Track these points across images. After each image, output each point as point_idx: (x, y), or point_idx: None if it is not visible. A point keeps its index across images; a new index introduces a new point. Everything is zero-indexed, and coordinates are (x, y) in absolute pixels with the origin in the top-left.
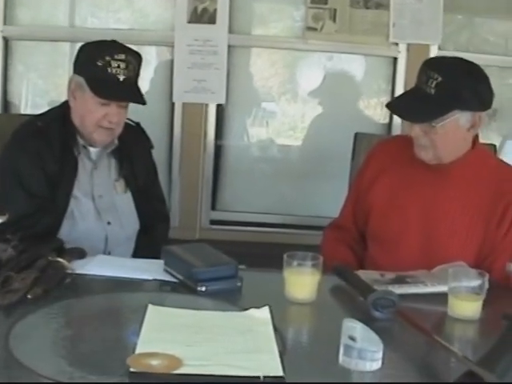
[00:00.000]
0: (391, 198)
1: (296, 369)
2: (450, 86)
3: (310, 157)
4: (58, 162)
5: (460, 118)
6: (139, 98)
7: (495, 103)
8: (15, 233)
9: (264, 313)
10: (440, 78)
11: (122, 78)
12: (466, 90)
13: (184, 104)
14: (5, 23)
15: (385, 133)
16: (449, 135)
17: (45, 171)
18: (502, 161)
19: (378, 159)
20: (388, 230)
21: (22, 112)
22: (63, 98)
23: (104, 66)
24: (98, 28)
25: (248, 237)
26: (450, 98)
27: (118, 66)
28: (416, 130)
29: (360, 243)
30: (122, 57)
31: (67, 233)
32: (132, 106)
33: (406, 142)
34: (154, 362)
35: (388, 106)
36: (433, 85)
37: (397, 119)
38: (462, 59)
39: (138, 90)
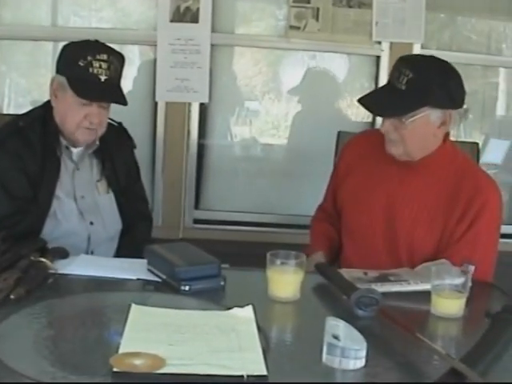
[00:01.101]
0: (360, 192)
1: (279, 368)
2: (420, 82)
3: (294, 156)
4: (40, 163)
5: (430, 115)
6: (120, 99)
7: (477, 101)
8: None
9: (247, 312)
10: (411, 75)
11: (103, 78)
12: (437, 87)
13: (167, 103)
14: None
15: None
16: (418, 131)
17: (26, 171)
18: (469, 158)
19: (350, 152)
20: (356, 223)
21: (5, 112)
22: (45, 98)
23: (85, 65)
24: (81, 27)
25: (231, 236)
26: (421, 95)
27: (100, 66)
28: (386, 125)
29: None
30: (104, 57)
31: (50, 233)
32: (114, 105)
33: (377, 136)
34: (137, 362)
35: (359, 100)
36: (404, 81)
37: (380, 118)
38: (435, 57)
39: (120, 90)
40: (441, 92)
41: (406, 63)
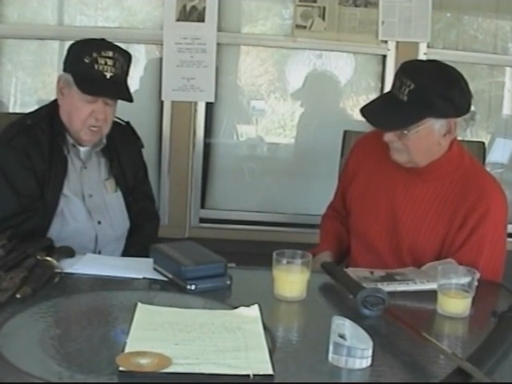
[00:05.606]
0: (366, 194)
1: (285, 367)
2: (422, 93)
3: (299, 155)
4: (47, 161)
5: (434, 125)
6: (125, 95)
7: (483, 101)
8: (3, 232)
9: (253, 311)
10: (412, 85)
11: (108, 75)
12: (439, 97)
13: (173, 102)
14: None
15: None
16: (422, 141)
17: (33, 169)
18: (475, 161)
19: (358, 152)
20: (362, 225)
21: (11, 111)
22: (52, 97)
23: (91, 62)
24: (87, 26)
25: (237, 235)
26: (422, 106)
27: (105, 63)
28: (389, 136)
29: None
30: (110, 54)
31: (57, 232)
32: (121, 104)
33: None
34: (143, 361)
35: (362, 110)
36: (405, 92)
37: None
38: (437, 64)
39: (126, 87)
40: (443, 102)
41: (407, 73)
